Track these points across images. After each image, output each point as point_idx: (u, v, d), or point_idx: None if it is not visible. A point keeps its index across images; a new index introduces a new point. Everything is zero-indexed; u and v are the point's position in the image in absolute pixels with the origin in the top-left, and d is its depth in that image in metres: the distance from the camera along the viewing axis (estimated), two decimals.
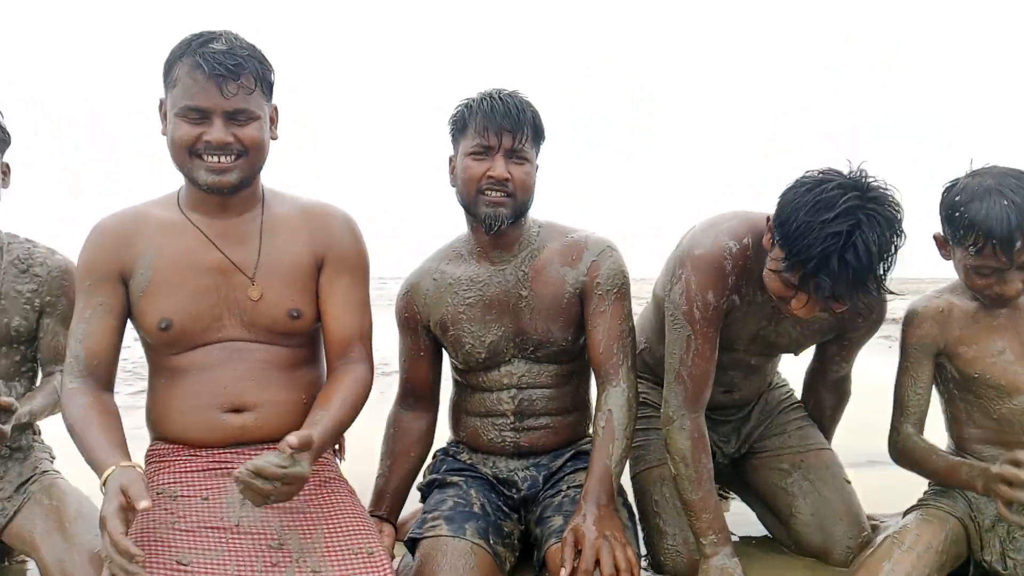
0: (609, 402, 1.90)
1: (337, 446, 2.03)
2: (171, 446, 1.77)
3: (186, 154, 1.65)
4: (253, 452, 1.68)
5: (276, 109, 1.77)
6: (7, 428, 1.74)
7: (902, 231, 1.64)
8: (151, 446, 1.83)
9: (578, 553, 1.73)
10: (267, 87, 1.70)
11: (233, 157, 1.66)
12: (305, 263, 1.77)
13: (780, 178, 1.79)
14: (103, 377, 1.73)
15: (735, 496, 2.51)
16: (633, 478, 2.18)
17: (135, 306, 1.73)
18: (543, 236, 2.02)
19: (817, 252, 1.58)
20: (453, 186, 1.97)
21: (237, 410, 1.72)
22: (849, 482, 2.15)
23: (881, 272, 1.63)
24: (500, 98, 1.89)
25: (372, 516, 1.98)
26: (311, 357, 1.85)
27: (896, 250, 1.64)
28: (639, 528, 2.04)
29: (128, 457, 1.57)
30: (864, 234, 1.56)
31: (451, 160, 1.98)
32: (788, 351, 2.16)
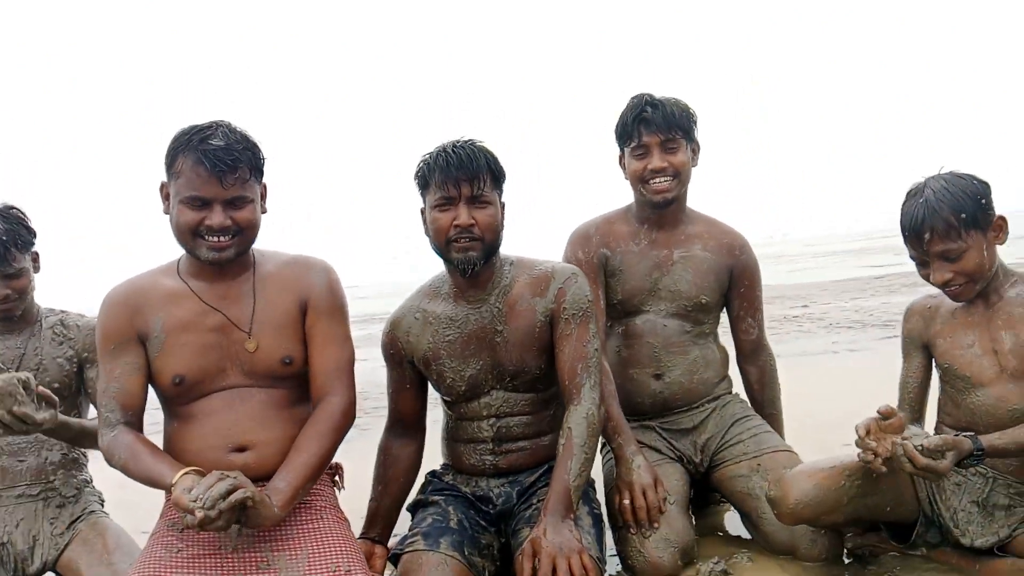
0: (570, 420, 2.05)
1: (336, 477, 2.25)
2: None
3: (189, 235, 1.90)
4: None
5: (265, 187, 2.01)
6: (46, 416, 1.98)
7: None
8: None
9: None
10: (259, 172, 1.96)
11: (231, 237, 1.90)
12: (292, 312, 2.00)
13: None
14: (136, 425, 1.97)
15: (727, 502, 2.62)
16: (606, 491, 2.35)
17: (152, 364, 1.96)
18: (514, 271, 2.18)
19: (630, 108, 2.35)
20: (427, 236, 2.14)
21: (241, 449, 1.93)
22: None
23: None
24: (454, 151, 2.04)
25: (365, 538, 2.19)
26: (304, 395, 2.04)
27: None
28: (605, 534, 2.17)
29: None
30: None
31: (422, 212, 2.14)
32: (694, 302, 2.43)
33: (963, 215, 1.89)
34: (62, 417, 2.10)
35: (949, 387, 2.08)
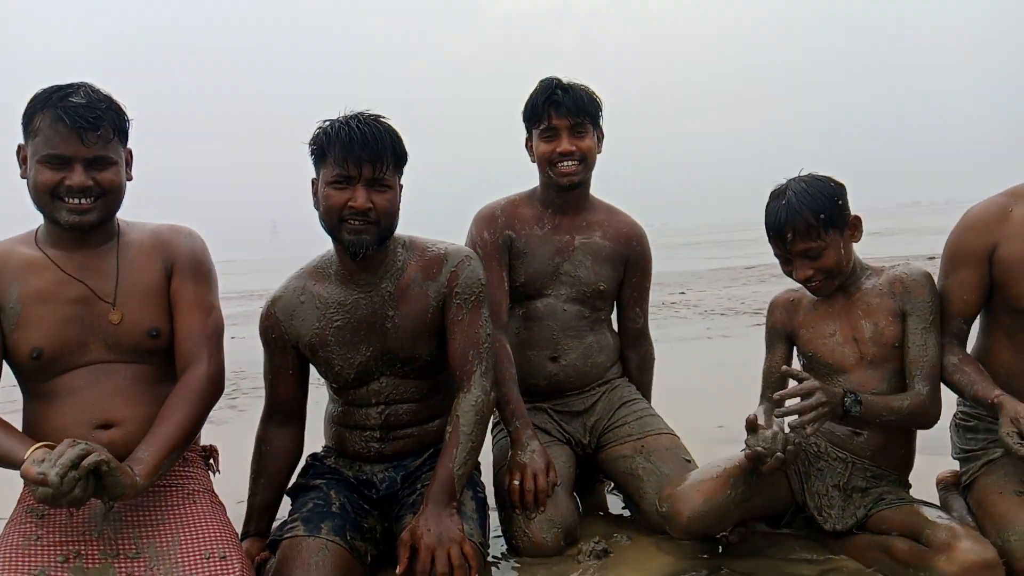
0: (458, 408, 2.01)
1: (212, 460, 2.15)
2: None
3: (48, 197, 1.79)
4: None
5: (131, 152, 1.92)
6: None
7: None
8: None
9: (416, 553, 1.86)
10: (123, 135, 1.86)
11: (93, 199, 1.80)
12: (158, 280, 1.93)
13: None
14: None
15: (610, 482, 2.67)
16: (494, 477, 2.36)
17: (8, 338, 1.83)
18: (407, 254, 2.09)
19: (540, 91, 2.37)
20: (316, 209, 2.00)
21: (105, 426, 1.83)
22: (690, 460, 2.32)
23: None
24: (359, 127, 1.90)
25: (247, 536, 2.10)
26: (172, 372, 1.93)
27: None
28: (489, 517, 2.18)
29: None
30: None
31: (313, 183, 2.00)
32: (593, 288, 2.47)
33: (822, 216, 1.98)
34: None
35: (812, 374, 2.15)
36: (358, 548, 2.01)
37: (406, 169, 2.03)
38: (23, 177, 1.83)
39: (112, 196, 1.84)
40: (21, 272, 1.84)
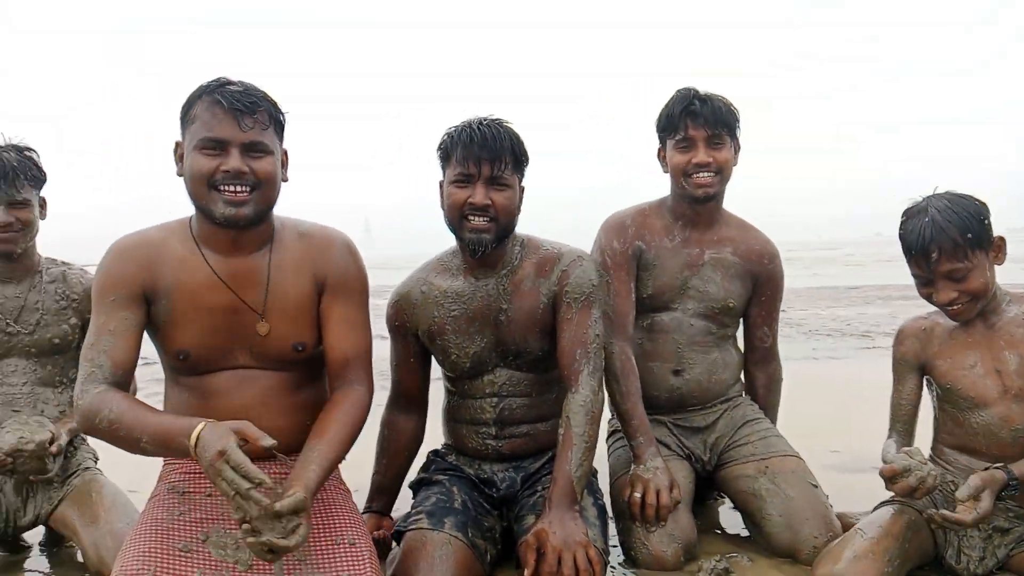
0: (568, 410, 2.03)
1: None
2: None
3: (204, 186, 1.73)
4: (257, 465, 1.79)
5: (287, 153, 1.86)
6: (55, 467, 2.14)
7: None
8: None
9: (542, 556, 1.87)
10: (279, 127, 1.81)
11: (248, 189, 1.73)
12: (308, 295, 1.86)
13: None
14: (123, 387, 1.76)
15: (725, 498, 2.64)
16: (610, 486, 2.36)
17: (160, 330, 1.83)
18: (522, 252, 2.16)
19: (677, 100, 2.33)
20: (442, 208, 2.11)
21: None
22: (816, 485, 2.26)
23: None
24: (480, 128, 2.02)
25: (369, 512, 2.17)
26: (314, 377, 1.95)
27: None
28: (608, 524, 2.17)
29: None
30: None
31: (440, 185, 2.12)
32: (722, 305, 2.43)
33: (969, 235, 1.89)
34: (63, 441, 2.17)
35: (950, 407, 2.07)
36: (479, 546, 2.04)
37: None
38: (179, 175, 1.80)
39: (267, 188, 1.77)
40: (176, 268, 1.80)
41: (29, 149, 2.29)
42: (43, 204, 2.34)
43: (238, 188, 1.73)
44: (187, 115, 1.77)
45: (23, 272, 2.31)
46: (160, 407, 1.88)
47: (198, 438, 1.53)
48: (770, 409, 2.60)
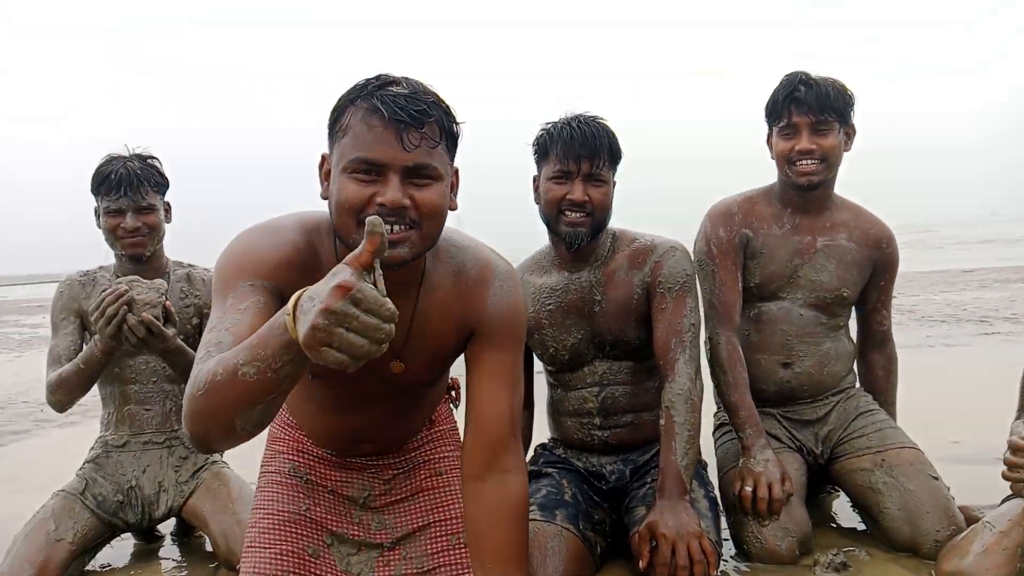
0: (667, 399, 2.03)
1: (454, 392, 2.24)
2: (297, 427, 1.81)
3: (353, 221, 1.35)
4: (373, 463, 1.78)
5: (457, 173, 1.48)
6: (173, 330, 2.13)
7: None
8: (270, 432, 1.85)
9: (656, 546, 1.88)
10: (453, 142, 1.43)
11: (405, 227, 1.35)
12: (452, 341, 1.59)
13: None
14: None
15: (838, 491, 2.58)
16: (719, 480, 2.34)
17: None
18: (615, 244, 2.19)
19: (782, 86, 2.28)
20: (537, 204, 2.16)
21: (365, 441, 1.76)
22: (937, 477, 2.18)
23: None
24: (579, 126, 2.05)
25: None
26: (442, 383, 1.84)
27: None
28: (720, 517, 2.16)
29: None
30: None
31: (535, 180, 2.16)
32: (835, 294, 2.36)
33: None
34: (178, 341, 2.20)
35: None
36: (589, 538, 2.06)
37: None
38: (323, 197, 1.44)
39: (430, 225, 1.39)
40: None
41: (152, 157, 2.41)
42: (167, 208, 2.45)
43: (393, 226, 1.35)
44: (337, 123, 1.40)
45: (152, 274, 2.41)
46: None
47: (297, 303, 1.09)
48: (891, 390, 2.53)
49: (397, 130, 1.32)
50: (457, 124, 1.42)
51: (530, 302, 2.20)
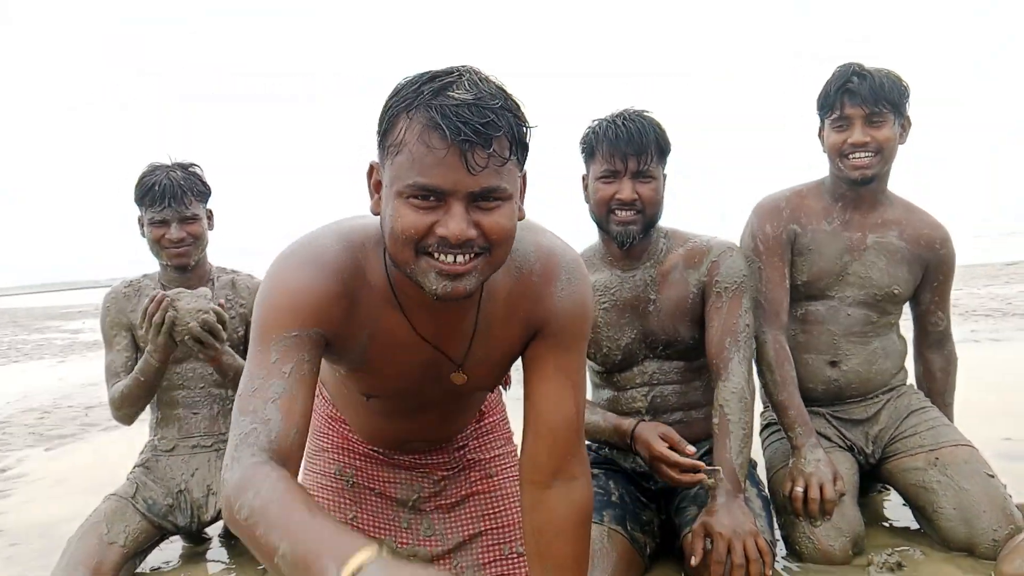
0: (720, 398, 2.02)
1: (504, 385, 2.21)
2: (341, 421, 1.77)
3: (411, 251, 1.19)
4: (422, 462, 1.75)
5: (525, 178, 1.30)
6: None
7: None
8: (325, 397, 1.79)
9: (711, 544, 1.85)
10: (523, 152, 1.23)
11: (471, 255, 1.20)
12: (514, 348, 1.47)
13: None
14: (295, 460, 1.20)
15: (890, 489, 2.53)
16: (768, 480, 2.31)
17: (342, 368, 1.50)
18: (668, 243, 2.17)
19: (835, 78, 2.20)
20: (587, 203, 2.14)
21: (416, 439, 1.73)
22: (993, 475, 2.13)
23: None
24: (624, 124, 2.02)
25: (635, 428, 2.09)
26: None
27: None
28: (773, 517, 2.13)
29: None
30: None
31: (584, 179, 2.14)
32: (886, 292, 2.30)
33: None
34: (228, 350, 2.23)
35: None
36: (638, 539, 2.04)
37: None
38: (374, 212, 1.28)
39: (498, 252, 1.23)
40: (375, 312, 1.35)
41: (193, 165, 2.42)
42: (210, 216, 2.47)
43: (458, 258, 1.19)
44: (389, 134, 1.19)
45: (197, 282, 2.44)
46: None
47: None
48: (949, 392, 2.47)
49: (461, 151, 1.13)
50: (529, 129, 1.21)
51: None
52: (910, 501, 2.26)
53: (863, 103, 2.16)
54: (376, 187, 1.27)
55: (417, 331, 1.37)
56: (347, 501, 1.71)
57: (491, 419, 1.86)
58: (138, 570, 2.35)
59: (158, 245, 2.36)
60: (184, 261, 2.38)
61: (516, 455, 1.75)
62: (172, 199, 2.31)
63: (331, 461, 1.75)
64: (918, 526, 2.29)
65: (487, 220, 1.18)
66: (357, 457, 1.75)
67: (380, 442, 1.75)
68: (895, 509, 2.49)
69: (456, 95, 1.13)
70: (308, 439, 1.65)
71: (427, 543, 1.72)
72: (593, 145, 2.07)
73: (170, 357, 2.22)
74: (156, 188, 2.31)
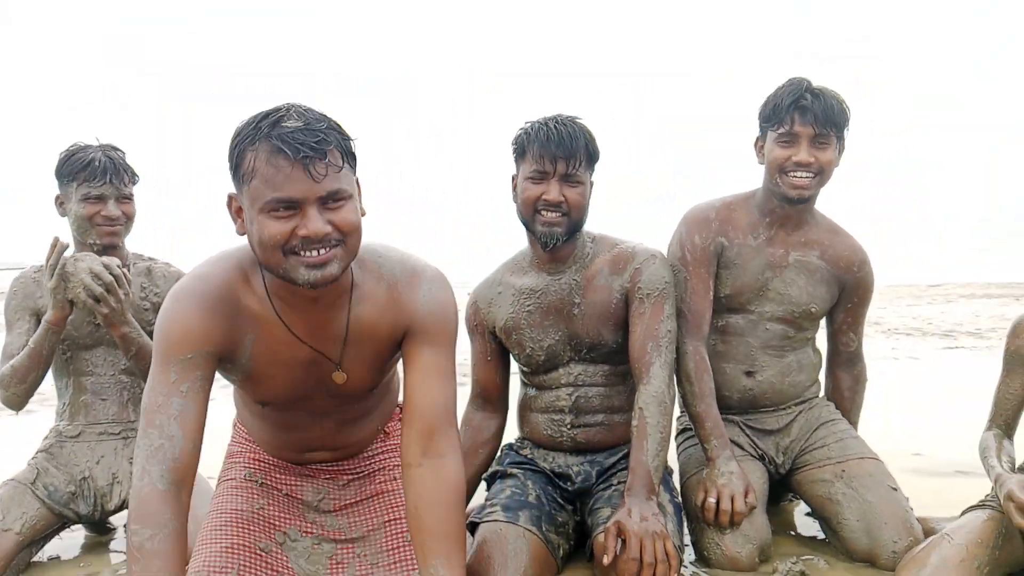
0: (640, 401, 2.04)
1: None
2: (252, 441, 1.90)
3: (280, 254, 1.43)
4: (328, 468, 1.86)
5: (358, 181, 1.54)
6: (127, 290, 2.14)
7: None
8: (237, 426, 1.96)
9: (623, 544, 1.87)
10: (352, 160, 1.49)
11: (330, 247, 1.45)
12: (388, 343, 1.67)
13: None
14: (191, 471, 1.49)
15: (799, 499, 2.58)
16: (681, 486, 2.33)
17: (236, 382, 1.71)
18: (595, 248, 2.20)
19: (787, 92, 2.18)
20: (515, 203, 2.16)
21: (318, 450, 1.85)
22: (896, 488, 2.19)
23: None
24: (555, 127, 2.05)
25: None
26: (387, 391, 1.90)
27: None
28: (684, 523, 2.16)
29: None
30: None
31: (513, 179, 2.17)
32: (803, 310, 2.33)
33: None
34: (131, 319, 2.19)
35: None
36: (552, 540, 2.05)
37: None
38: (240, 233, 1.52)
39: (353, 240, 1.48)
40: (253, 325, 1.58)
41: (117, 149, 2.36)
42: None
43: (321, 251, 1.44)
44: (240, 168, 1.44)
45: None
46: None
47: None
48: (855, 410, 2.52)
49: (304, 165, 1.38)
50: (352, 141, 1.49)
51: (508, 303, 2.22)
52: (816, 512, 2.31)
53: (814, 122, 2.14)
54: (238, 212, 1.50)
55: (293, 332, 1.59)
56: (255, 495, 1.80)
57: (397, 441, 1.92)
58: (34, 559, 2.28)
59: (89, 222, 2.28)
60: (115, 240, 2.32)
61: None
62: (113, 175, 2.26)
63: (242, 469, 1.86)
64: (824, 536, 2.34)
65: (337, 217, 1.43)
66: (267, 466, 1.87)
67: (287, 454, 1.85)
68: (803, 518, 2.55)
69: (289, 124, 1.39)
70: (223, 461, 1.93)
71: (332, 533, 1.78)
72: (524, 146, 2.09)
73: (65, 321, 2.14)
74: (96, 163, 2.25)
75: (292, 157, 1.37)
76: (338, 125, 1.47)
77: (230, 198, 1.51)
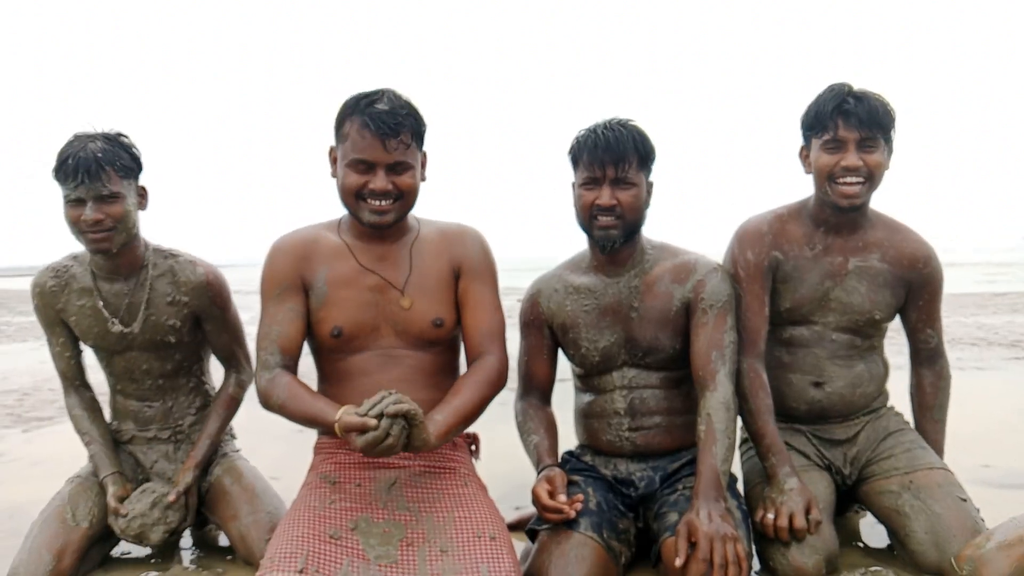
0: (707, 407, 2.03)
1: (473, 447, 2.25)
2: (334, 440, 2.05)
3: (353, 198, 1.97)
4: (401, 460, 2.01)
5: (425, 155, 2.05)
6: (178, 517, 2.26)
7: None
8: (319, 440, 2.16)
9: (692, 545, 1.85)
10: (420, 140, 2.00)
11: (391, 201, 1.96)
12: (445, 276, 2.08)
13: None
14: (292, 370, 2.01)
15: (866, 510, 2.53)
16: (746, 495, 2.29)
17: (313, 315, 2.04)
18: (655, 256, 2.20)
19: (829, 97, 2.15)
20: (574, 209, 2.17)
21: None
22: (966, 499, 2.13)
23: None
24: (604, 132, 2.07)
25: (543, 469, 2.13)
26: (452, 364, 2.16)
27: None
28: (751, 530, 2.12)
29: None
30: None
31: (573, 187, 2.18)
32: (867, 317, 2.27)
33: None
34: (192, 465, 2.31)
35: None
36: (613, 548, 2.03)
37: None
38: (333, 176, 2.02)
39: (408, 198, 1.99)
40: (328, 257, 2.05)
41: (121, 135, 2.16)
42: (142, 194, 2.21)
43: (382, 202, 1.96)
44: (340, 129, 1.97)
45: (128, 268, 2.24)
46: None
47: (339, 419, 1.76)
48: (939, 408, 2.42)
49: (382, 139, 1.90)
50: (424, 126, 1.99)
51: (567, 299, 2.25)
52: (884, 523, 2.26)
53: (859, 126, 2.10)
54: (333, 161, 2.02)
55: (360, 263, 2.04)
56: (327, 492, 1.94)
57: (462, 467, 2.09)
58: (111, 553, 2.34)
59: (76, 228, 2.09)
60: (105, 247, 2.11)
61: (478, 476, 2.12)
62: (86, 175, 2.02)
63: (317, 473, 2.03)
64: (892, 547, 2.29)
65: (399, 180, 1.95)
66: (339, 466, 2.02)
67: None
68: (870, 529, 2.50)
69: (379, 106, 1.91)
70: (314, 449, 2.17)
71: (402, 517, 1.87)
72: (576, 154, 2.13)
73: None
74: (69, 162, 2.03)
75: (374, 131, 1.88)
76: (416, 112, 1.97)
77: (331, 149, 2.02)
